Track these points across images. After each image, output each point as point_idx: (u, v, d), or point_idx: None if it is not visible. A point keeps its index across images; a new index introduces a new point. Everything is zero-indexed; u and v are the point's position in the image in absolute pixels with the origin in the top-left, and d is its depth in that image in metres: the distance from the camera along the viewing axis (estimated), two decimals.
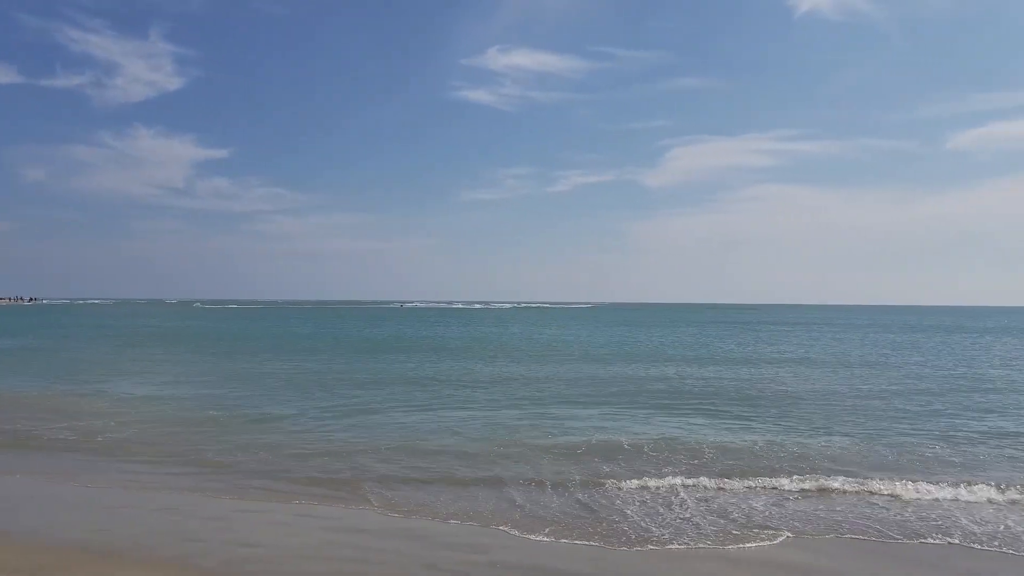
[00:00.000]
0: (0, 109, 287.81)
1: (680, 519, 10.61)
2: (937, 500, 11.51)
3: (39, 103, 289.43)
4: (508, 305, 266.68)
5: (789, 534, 9.98)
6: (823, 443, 16.02)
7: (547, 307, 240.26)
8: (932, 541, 9.68)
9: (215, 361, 36.97)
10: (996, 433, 17.35)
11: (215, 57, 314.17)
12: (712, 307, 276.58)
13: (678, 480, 12.59)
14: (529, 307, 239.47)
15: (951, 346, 50.13)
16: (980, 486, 12.01)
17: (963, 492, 11.70)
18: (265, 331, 70.59)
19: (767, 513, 10.93)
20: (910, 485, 12.10)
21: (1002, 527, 10.25)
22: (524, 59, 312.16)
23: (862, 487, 12.09)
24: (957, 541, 9.68)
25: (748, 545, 9.56)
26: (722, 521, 10.52)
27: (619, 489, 12.20)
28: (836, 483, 12.33)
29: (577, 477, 12.97)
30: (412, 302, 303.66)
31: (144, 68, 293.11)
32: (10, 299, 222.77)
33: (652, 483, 12.46)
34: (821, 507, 11.26)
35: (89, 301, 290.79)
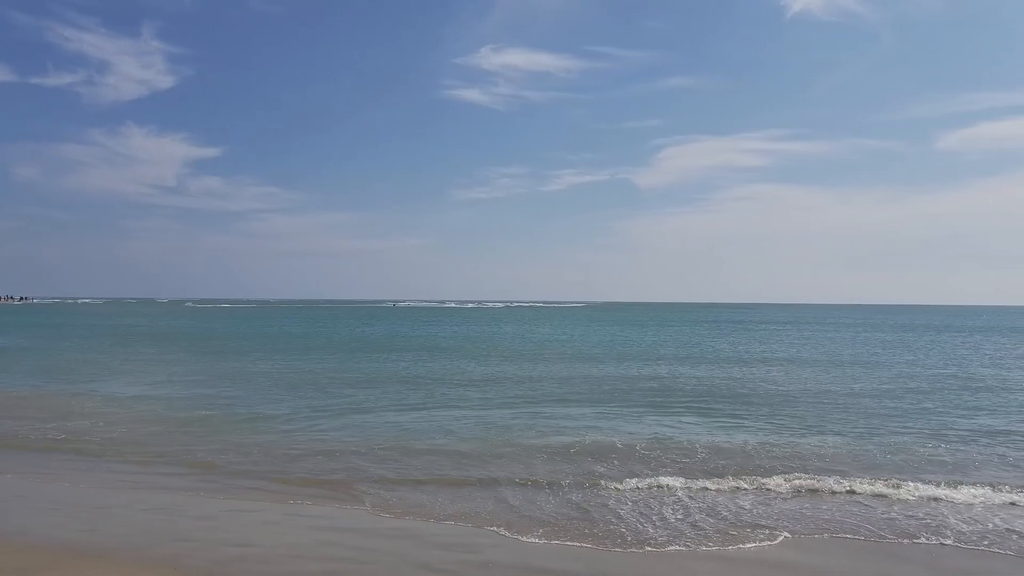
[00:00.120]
0: None
1: (676, 520, 10.58)
2: (930, 500, 11.53)
3: (31, 101, 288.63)
4: (500, 304, 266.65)
5: (788, 534, 9.97)
6: (816, 442, 16.06)
7: (539, 306, 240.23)
8: (927, 541, 9.68)
9: (206, 360, 36.84)
10: (986, 431, 17.41)
11: (207, 56, 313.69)
12: (704, 306, 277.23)
13: (672, 480, 12.56)
14: (521, 306, 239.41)
15: (940, 345, 50.33)
16: (972, 486, 12.06)
17: (955, 492, 11.74)
18: (257, 330, 70.40)
19: (763, 513, 10.93)
20: (903, 485, 12.12)
21: (993, 526, 10.28)
22: (517, 58, 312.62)
23: (856, 487, 12.09)
24: (950, 542, 9.69)
25: (748, 545, 9.54)
26: (719, 522, 10.50)
27: (613, 489, 12.18)
28: (831, 483, 12.33)
29: (571, 477, 12.95)
30: (405, 301, 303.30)
31: (136, 67, 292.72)
32: (0, 298, 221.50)
33: (646, 483, 12.45)
34: (817, 507, 11.27)
35: (80, 300, 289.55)
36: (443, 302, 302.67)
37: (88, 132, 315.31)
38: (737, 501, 11.56)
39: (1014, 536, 9.84)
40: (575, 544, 9.58)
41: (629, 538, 9.77)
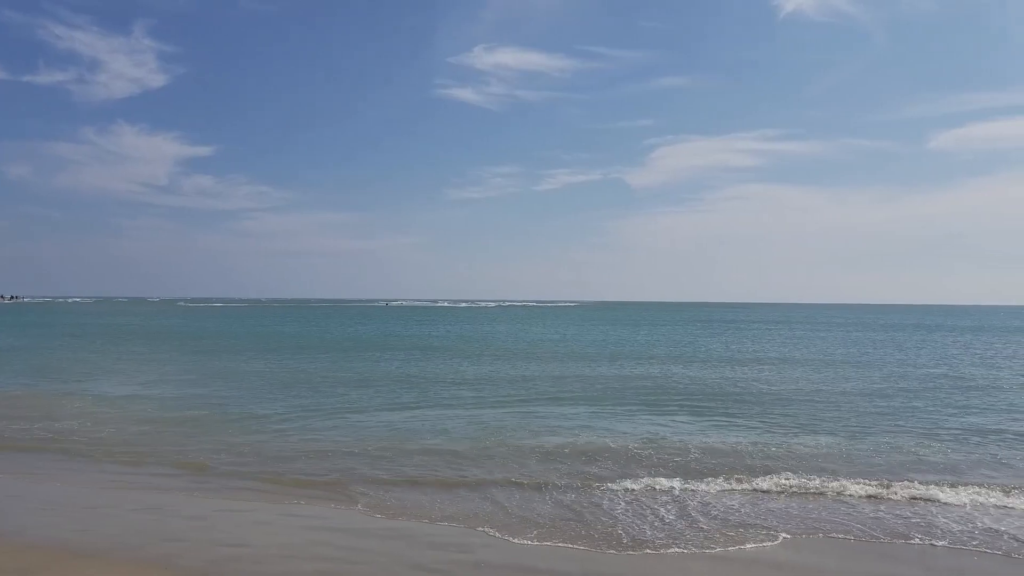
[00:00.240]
0: None
1: (673, 521, 10.57)
2: (922, 500, 11.56)
3: (22, 99, 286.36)
4: (492, 304, 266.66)
5: (787, 535, 9.97)
6: (808, 442, 16.11)
7: (532, 306, 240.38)
8: (921, 542, 9.71)
9: (198, 360, 36.75)
10: (976, 431, 17.49)
11: (199, 54, 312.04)
12: (697, 306, 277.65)
13: (667, 481, 12.55)
14: (514, 305, 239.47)
15: (931, 344, 50.51)
16: (963, 487, 12.12)
17: (945, 493, 11.77)
18: (249, 330, 70.26)
19: (760, 514, 10.93)
20: (896, 485, 12.16)
21: (983, 526, 10.35)
22: (510, 58, 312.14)
23: (851, 487, 12.10)
24: (943, 542, 9.74)
25: (748, 546, 9.53)
26: (716, 523, 10.49)
27: (607, 490, 12.17)
28: (825, 484, 12.36)
29: (564, 478, 12.96)
30: (397, 301, 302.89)
31: (128, 65, 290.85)
32: None
33: (641, 484, 12.44)
34: (813, 508, 11.29)
35: (70, 299, 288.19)
36: (435, 301, 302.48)
37: (79, 130, 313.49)
38: (733, 502, 11.57)
39: (1004, 536, 9.89)
40: (569, 545, 9.57)
41: (625, 540, 9.76)
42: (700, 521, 10.54)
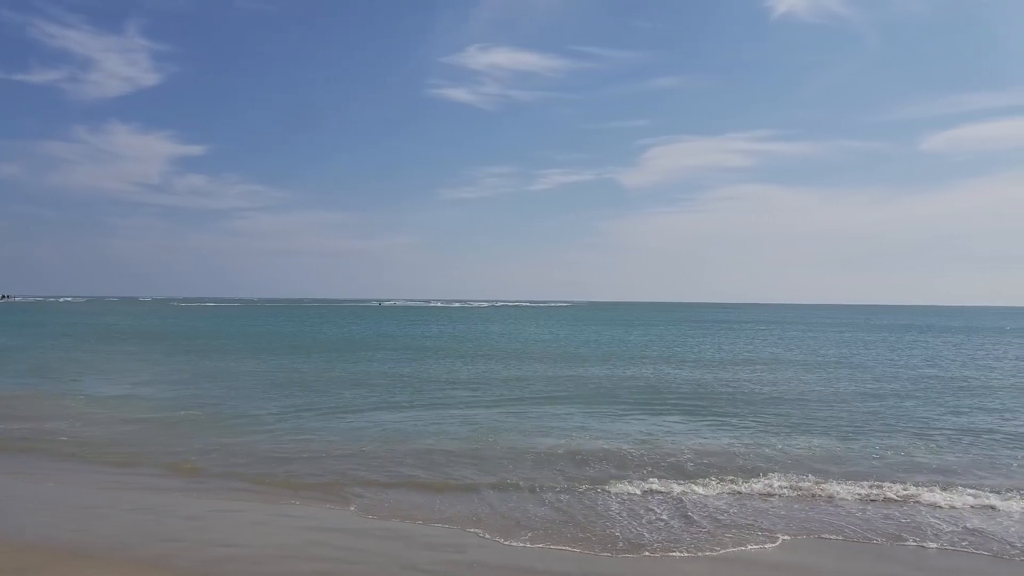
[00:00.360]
0: None
1: (669, 523, 10.57)
2: (917, 502, 11.60)
3: (14, 98, 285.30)
4: (485, 304, 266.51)
5: (786, 536, 10.01)
6: (802, 443, 16.17)
7: (525, 306, 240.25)
8: (926, 545, 9.75)
9: (191, 360, 36.66)
10: (967, 431, 17.58)
11: (192, 53, 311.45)
12: (690, 306, 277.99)
13: (662, 482, 12.55)
14: (507, 306, 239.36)
15: (923, 345, 50.68)
16: (955, 488, 12.19)
17: (940, 494, 11.83)
18: (242, 330, 70.11)
19: (757, 516, 10.94)
20: (891, 486, 12.22)
21: (972, 527, 10.45)
22: (504, 58, 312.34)
23: (846, 489, 12.12)
24: (937, 544, 9.83)
25: (748, 548, 9.56)
26: (714, 524, 10.49)
27: (602, 492, 12.15)
28: (820, 485, 12.38)
29: (559, 480, 12.95)
30: (390, 301, 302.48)
31: (120, 63, 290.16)
32: None
33: (636, 486, 12.41)
34: (809, 509, 11.33)
35: (61, 299, 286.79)
36: (428, 301, 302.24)
37: (72, 129, 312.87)
38: (729, 504, 11.59)
39: (996, 537, 9.97)
40: (564, 548, 9.55)
41: (621, 542, 9.74)
42: (696, 523, 10.56)
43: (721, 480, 12.79)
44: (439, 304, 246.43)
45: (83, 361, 35.51)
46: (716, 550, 9.47)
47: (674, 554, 9.32)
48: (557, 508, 11.34)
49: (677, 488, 12.26)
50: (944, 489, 12.11)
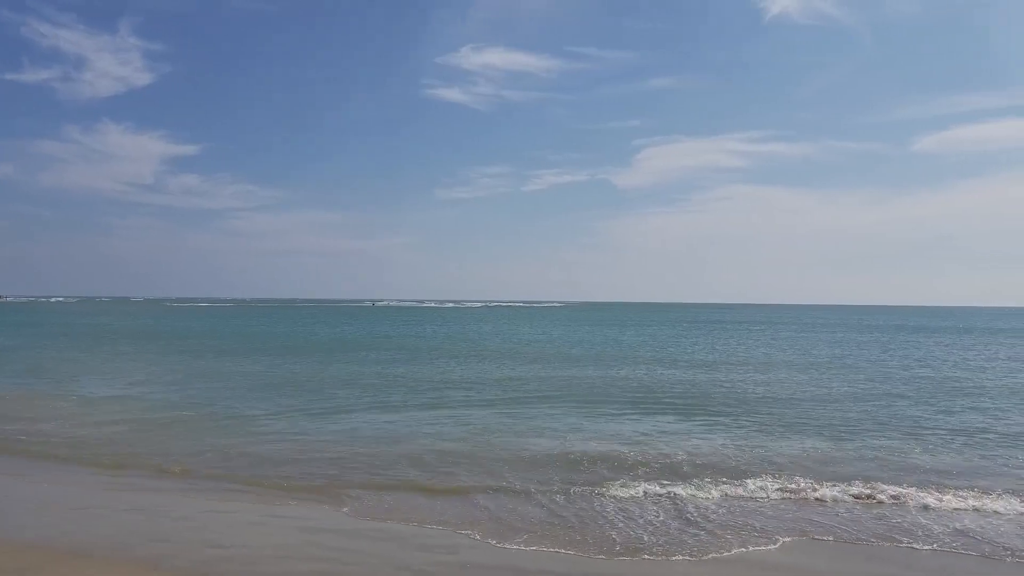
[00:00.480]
0: None
1: (666, 525, 10.55)
2: (912, 503, 11.62)
3: (6, 98, 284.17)
4: (479, 304, 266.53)
5: (786, 538, 10.00)
6: (797, 444, 16.20)
7: (520, 306, 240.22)
8: (922, 546, 9.80)
9: (185, 360, 36.61)
10: (962, 431, 17.66)
11: (185, 52, 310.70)
12: (686, 306, 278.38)
13: (658, 484, 12.53)
14: (500, 306, 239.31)
15: (917, 346, 50.78)
16: (951, 490, 12.25)
17: (934, 496, 11.88)
18: (235, 330, 69.99)
19: (755, 518, 10.93)
20: (886, 487, 12.24)
21: (961, 527, 10.52)
22: (498, 58, 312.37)
23: (843, 491, 12.14)
24: (935, 546, 9.89)
25: (749, 549, 9.55)
26: (710, 527, 10.47)
27: (597, 494, 12.13)
28: (816, 486, 12.39)
29: (554, 482, 12.93)
30: (384, 301, 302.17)
31: (113, 63, 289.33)
32: None
33: (632, 487, 12.40)
34: (806, 511, 11.35)
35: (53, 299, 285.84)
36: (422, 302, 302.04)
37: (64, 129, 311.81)
38: (726, 505, 11.59)
39: (989, 538, 10.03)
40: (559, 550, 9.53)
41: (619, 545, 9.70)
42: (695, 525, 10.55)
43: (717, 482, 12.79)
44: (433, 304, 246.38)
45: (77, 362, 35.41)
46: (720, 553, 9.43)
47: (676, 557, 9.26)
48: (552, 510, 11.32)
49: (673, 490, 12.24)
50: (938, 490, 12.17)
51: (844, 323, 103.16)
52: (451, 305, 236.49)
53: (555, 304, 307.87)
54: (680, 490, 12.25)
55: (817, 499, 11.88)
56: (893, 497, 11.83)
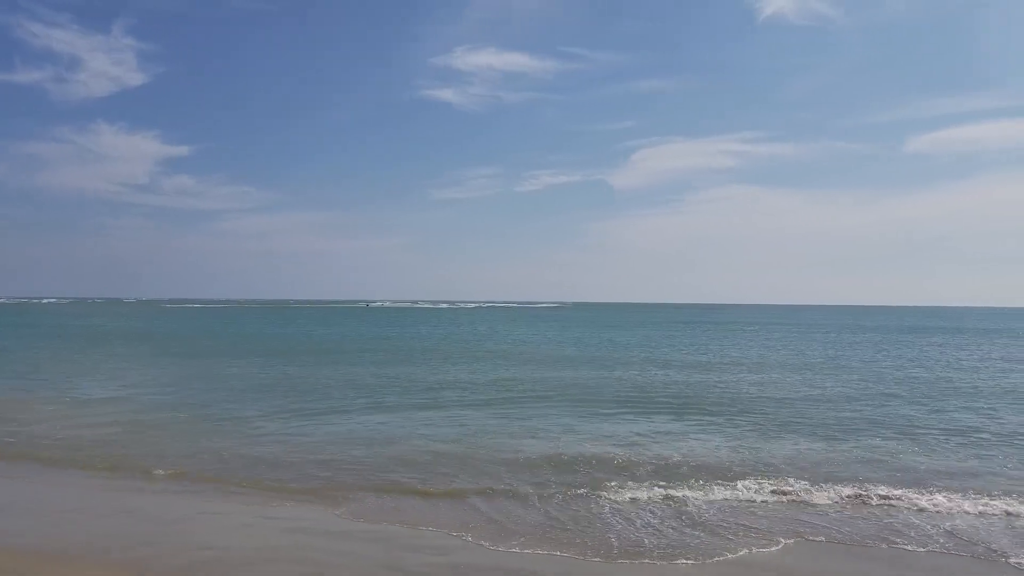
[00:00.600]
0: None
1: (664, 528, 10.44)
2: (909, 506, 11.56)
3: None
4: (472, 305, 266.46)
5: (786, 540, 9.91)
6: (792, 446, 16.12)
7: (513, 307, 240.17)
8: (922, 548, 9.78)
9: (177, 362, 36.48)
10: (955, 432, 17.65)
11: (180, 53, 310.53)
12: (678, 307, 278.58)
13: (654, 487, 12.40)
14: (494, 307, 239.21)
15: (909, 346, 50.84)
16: (947, 491, 12.24)
17: (932, 497, 11.84)
18: (229, 331, 69.79)
19: (752, 519, 10.84)
20: (882, 489, 12.20)
21: (951, 528, 10.48)
22: (492, 59, 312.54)
23: (838, 492, 12.08)
24: (934, 548, 9.86)
25: (752, 551, 9.47)
26: (709, 529, 10.36)
27: (593, 496, 12.00)
28: (812, 488, 12.32)
29: (549, 484, 12.82)
30: (378, 301, 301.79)
31: (107, 63, 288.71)
32: None
33: (627, 489, 12.29)
34: (804, 512, 11.26)
35: (44, 300, 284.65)
36: (415, 302, 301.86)
37: (58, 129, 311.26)
38: (723, 507, 11.49)
39: (987, 540, 9.99)
40: (556, 552, 9.42)
41: (617, 548, 9.58)
42: (694, 527, 10.45)
43: (713, 483, 12.68)
44: (427, 305, 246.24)
45: (70, 363, 35.23)
46: (723, 555, 9.31)
47: (679, 561, 9.11)
48: (547, 513, 11.21)
49: (670, 492, 12.13)
50: (933, 491, 12.13)
51: (837, 323, 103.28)
52: (445, 305, 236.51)
53: (549, 305, 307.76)
54: (677, 492, 12.15)
55: (813, 500, 11.78)
56: (890, 499, 11.76)
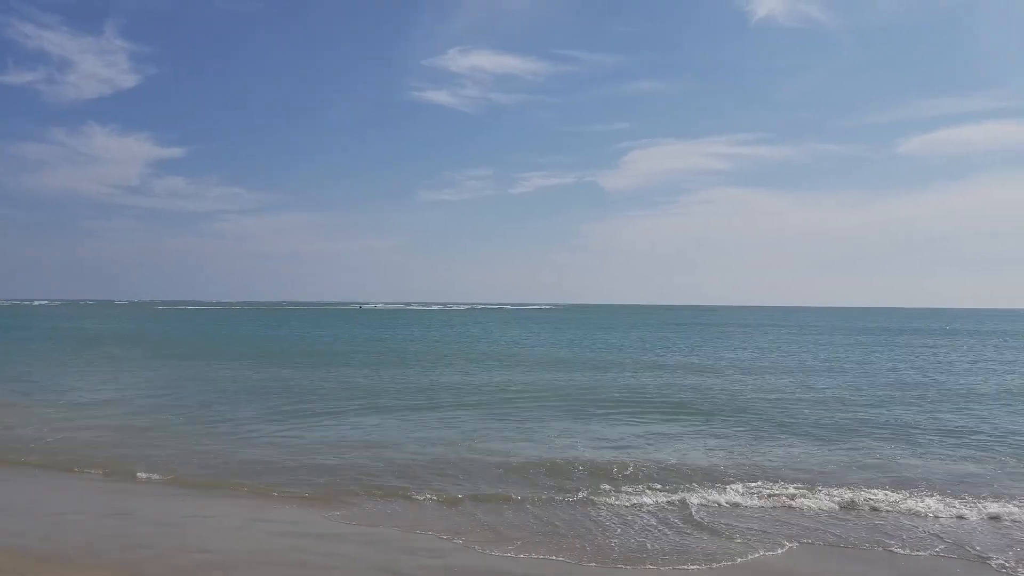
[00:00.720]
0: None
1: (665, 532, 10.33)
2: (910, 509, 11.51)
3: None
4: (464, 306, 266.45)
5: (792, 544, 9.84)
6: (788, 449, 16.04)
7: (507, 308, 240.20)
8: (921, 551, 9.77)
9: (170, 364, 36.35)
10: (950, 432, 17.67)
11: (172, 55, 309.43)
12: (672, 309, 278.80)
13: (651, 490, 12.30)
14: (487, 308, 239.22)
15: (904, 348, 50.96)
16: (946, 494, 12.22)
17: (930, 500, 11.81)
18: (222, 333, 69.59)
19: (753, 523, 10.76)
20: (881, 493, 12.16)
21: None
22: (485, 60, 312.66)
23: (837, 496, 12.00)
24: (934, 551, 9.83)
25: (756, 555, 9.39)
26: (710, 532, 10.27)
27: (589, 500, 11.89)
28: (810, 491, 12.25)
29: (544, 488, 12.72)
30: (370, 303, 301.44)
31: (99, 65, 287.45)
32: None
33: (625, 493, 12.17)
34: (804, 516, 11.18)
35: (35, 302, 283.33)
36: (408, 304, 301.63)
37: (49, 131, 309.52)
38: (724, 511, 11.40)
39: (985, 543, 9.98)
40: (552, 556, 9.31)
41: (617, 552, 9.48)
42: (695, 531, 10.37)
43: (710, 486, 12.59)
44: (419, 307, 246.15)
45: (63, 365, 35.07)
46: (731, 560, 9.20)
47: (685, 567, 8.98)
48: (544, 516, 11.11)
49: (668, 495, 12.03)
50: (933, 494, 12.11)
51: (831, 325, 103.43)
52: (438, 307, 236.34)
53: (543, 306, 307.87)
54: (674, 495, 12.04)
55: (811, 503, 11.69)
56: (888, 502, 11.73)
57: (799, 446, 16.25)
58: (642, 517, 11.00)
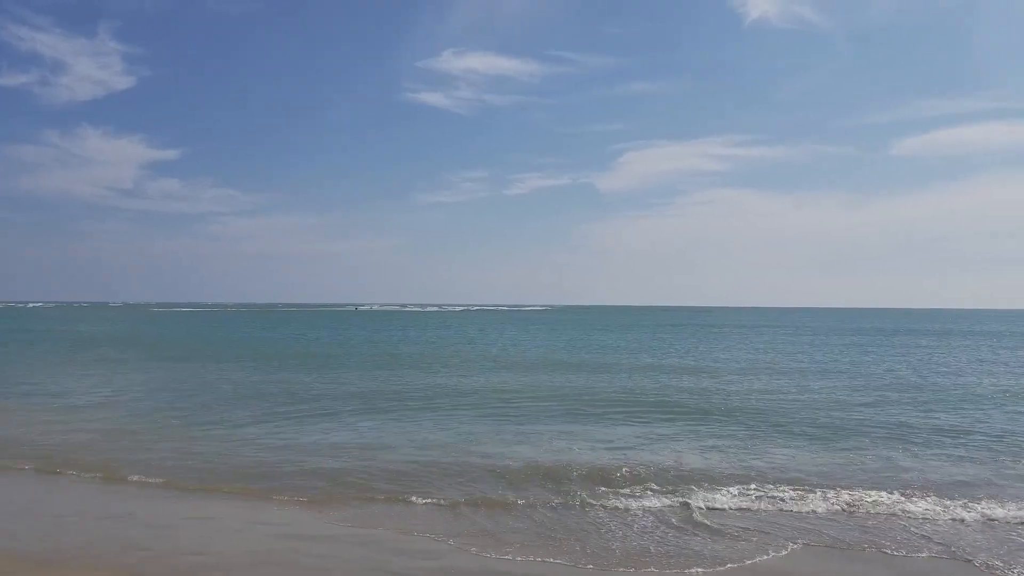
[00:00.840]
0: None
1: (666, 534, 10.29)
2: (911, 512, 11.55)
3: None
4: (460, 308, 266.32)
5: (795, 545, 9.82)
6: (788, 451, 16.02)
7: (503, 309, 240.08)
8: (922, 554, 9.77)
9: (166, 366, 36.26)
10: (948, 433, 17.67)
11: (165, 57, 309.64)
12: (669, 310, 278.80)
13: (650, 493, 12.26)
14: (484, 310, 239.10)
15: (907, 348, 51.02)
16: (946, 497, 12.27)
17: (929, 503, 11.81)
18: (217, 336, 69.48)
19: (755, 524, 10.73)
20: (886, 495, 12.14)
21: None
22: (480, 62, 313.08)
23: (838, 497, 11.99)
24: (934, 553, 9.82)
25: (770, 556, 9.39)
26: (712, 535, 10.24)
27: (588, 503, 11.82)
28: (809, 493, 12.22)
29: (542, 490, 12.67)
30: (366, 305, 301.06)
31: (92, 67, 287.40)
32: None
33: (624, 496, 12.11)
34: (805, 518, 11.18)
35: (30, 304, 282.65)
36: (404, 306, 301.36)
37: (42, 133, 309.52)
38: (726, 513, 11.35)
39: (985, 547, 9.98)
40: (551, 559, 9.27)
41: (618, 554, 9.44)
42: (698, 533, 10.32)
43: (708, 488, 12.53)
44: (415, 309, 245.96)
45: (58, 368, 34.94)
46: (738, 562, 9.16)
47: (692, 569, 8.92)
48: (542, 519, 11.07)
49: (666, 497, 11.98)
50: (929, 496, 12.10)
51: (829, 326, 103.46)
52: (434, 309, 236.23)
53: (540, 308, 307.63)
54: (673, 497, 11.99)
55: (810, 506, 11.66)
56: (887, 503, 11.72)
57: (796, 447, 16.25)
58: (641, 519, 10.98)
